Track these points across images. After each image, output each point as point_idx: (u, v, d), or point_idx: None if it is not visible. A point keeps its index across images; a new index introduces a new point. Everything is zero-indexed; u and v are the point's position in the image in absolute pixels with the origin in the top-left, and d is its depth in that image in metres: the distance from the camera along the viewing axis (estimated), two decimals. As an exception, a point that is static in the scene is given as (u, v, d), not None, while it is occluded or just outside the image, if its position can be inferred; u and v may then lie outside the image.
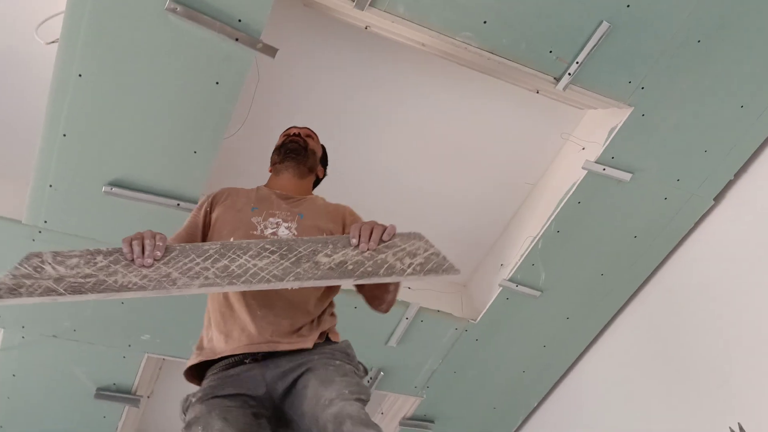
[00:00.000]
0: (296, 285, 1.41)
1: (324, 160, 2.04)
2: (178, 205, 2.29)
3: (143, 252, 1.40)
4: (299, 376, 1.56)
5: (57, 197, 2.20)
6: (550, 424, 3.28)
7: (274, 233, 1.69)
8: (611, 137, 2.43)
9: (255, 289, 1.40)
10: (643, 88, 2.32)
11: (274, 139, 2.32)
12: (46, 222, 2.26)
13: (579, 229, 2.66)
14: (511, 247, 2.90)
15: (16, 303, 1.30)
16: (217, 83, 2.06)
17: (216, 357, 1.64)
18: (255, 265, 1.42)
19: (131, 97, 2.04)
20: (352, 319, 2.71)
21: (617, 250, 2.76)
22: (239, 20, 1.95)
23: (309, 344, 1.63)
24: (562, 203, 2.59)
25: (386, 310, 1.71)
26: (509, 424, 3.39)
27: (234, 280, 1.38)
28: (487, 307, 2.87)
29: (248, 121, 2.38)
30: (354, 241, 1.50)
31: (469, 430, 3.36)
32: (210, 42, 1.97)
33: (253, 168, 2.60)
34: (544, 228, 2.65)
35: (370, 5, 1.99)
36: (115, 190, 2.21)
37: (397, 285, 1.64)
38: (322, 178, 2.05)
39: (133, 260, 1.40)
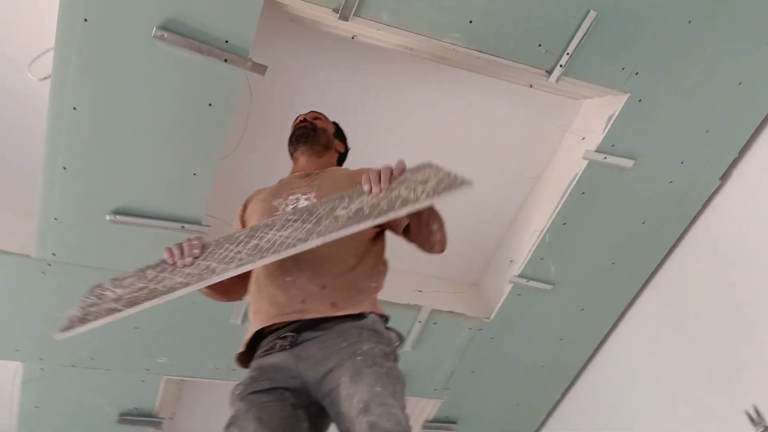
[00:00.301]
0: (320, 242, 1.43)
1: (340, 135, 2.09)
2: (183, 227, 2.31)
3: (182, 254, 1.56)
4: (330, 371, 1.54)
5: (63, 229, 2.23)
6: (575, 415, 3.26)
7: (294, 207, 1.74)
8: (609, 125, 2.41)
9: (283, 256, 1.45)
10: (637, 73, 2.30)
11: (274, 154, 2.35)
12: (54, 255, 2.29)
13: (585, 219, 2.65)
14: (518, 243, 2.89)
15: (87, 329, 1.45)
16: (210, 105, 2.07)
17: (250, 336, 1.71)
18: (281, 236, 1.50)
19: (127, 126, 2.06)
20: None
21: (626, 238, 2.74)
22: (226, 41, 1.96)
23: (340, 312, 1.63)
24: (566, 195, 2.57)
25: (441, 250, 1.74)
26: (534, 419, 3.37)
27: (264, 254, 1.46)
28: (500, 304, 2.86)
29: (245, 138, 2.39)
30: (366, 188, 1.52)
31: (493, 428, 3.36)
32: (199, 65, 1.98)
33: (255, 184, 2.62)
34: (550, 221, 2.64)
35: (354, 15, 1.99)
36: (119, 218, 2.23)
37: (439, 222, 1.68)
38: (346, 153, 2.10)
39: (175, 263, 1.56)
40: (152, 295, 1.50)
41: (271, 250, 1.46)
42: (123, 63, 1.94)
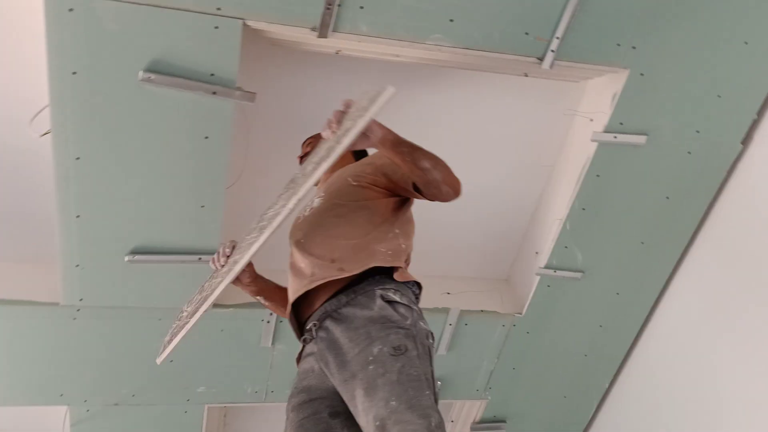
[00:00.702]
0: (295, 200, 1.52)
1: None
2: (200, 258, 2.35)
3: (218, 258, 1.81)
4: (345, 381, 1.55)
5: (86, 275, 2.30)
6: (628, 401, 3.17)
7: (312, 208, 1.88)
8: (614, 104, 2.35)
9: (275, 225, 1.54)
10: (634, 47, 2.23)
11: (281, 174, 2.39)
12: (81, 300, 2.36)
13: (605, 202, 2.58)
14: (542, 233, 2.84)
15: (173, 346, 1.81)
16: (206, 138, 2.11)
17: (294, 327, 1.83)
18: (275, 209, 1.66)
19: (130, 169, 2.11)
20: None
21: (652, 216, 2.65)
22: (212, 74, 2.00)
23: (346, 273, 1.66)
24: (581, 180, 2.51)
25: (454, 190, 1.71)
26: (585, 409, 3.29)
27: (264, 225, 1.62)
28: (530, 298, 2.81)
29: (250, 163, 2.43)
30: (324, 134, 1.58)
31: (543, 422, 3.30)
32: (189, 101, 2.02)
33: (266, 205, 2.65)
34: (569, 208, 2.58)
35: (333, 31, 1.99)
36: (137, 257, 2.29)
37: (431, 158, 1.68)
38: (362, 150, 2.08)
39: (216, 269, 1.84)
40: (203, 301, 1.71)
41: (267, 225, 1.58)
42: (116, 108, 1.99)
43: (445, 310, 2.79)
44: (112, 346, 2.52)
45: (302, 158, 2.23)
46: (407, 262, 1.88)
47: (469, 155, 2.76)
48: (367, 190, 1.82)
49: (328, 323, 1.65)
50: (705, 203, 2.65)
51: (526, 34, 2.13)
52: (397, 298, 1.64)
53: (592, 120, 2.51)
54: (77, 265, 2.27)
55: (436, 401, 1.51)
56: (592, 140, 2.41)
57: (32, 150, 2.22)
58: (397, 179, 1.79)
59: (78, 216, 2.17)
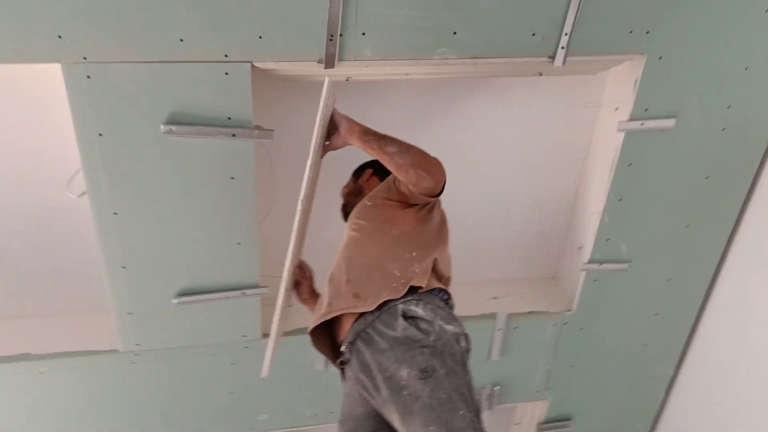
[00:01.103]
0: (298, 210, 1.81)
1: (380, 171, 2.10)
2: (243, 293, 2.43)
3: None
4: (381, 405, 1.60)
5: (139, 321, 2.41)
6: (697, 385, 3.07)
7: None
8: (636, 91, 2.29)
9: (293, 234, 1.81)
10: (648, 32, 2.17)
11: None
12: (138, 345, 2.47)
13: (641, 190, 2.52)
14: (582, 228, 2.79)
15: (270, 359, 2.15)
16: (232, 178, 2.18)
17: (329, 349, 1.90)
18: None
19: (166, 216, 2.20)
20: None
21: (693, 198, 2.58)
22: (229, 118, 2.06)
23: (362, 303, 1.69)
24: (613, 171, 2.46)
25: (424, 176, 1.73)
26: (652, 399, 3.22)
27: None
28: (578, 294, 2.77)
29: (279, 194, 2.49)
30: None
31: (610, 416, 3.24)
32: (211, 146, 2.09)
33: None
34: (604, 201, 2.53)
35: (339, 60, 2.03)
36: (184, 299, 2.38)
37: (395, 144, 1.74)
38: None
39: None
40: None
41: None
42: (144, 162, 2.08)
43: (492, 316, 2.78)
44: (174, 384, 2.63)
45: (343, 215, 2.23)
46: (439, 276, 1.88)
47: (502, 158, 2.76)
48: (381, 207, 1.87)
49: (359, 344, 1.67)
50: (749, 177, 2.56)
51: (533, 35, 2.11)
52: (419, 310, 1.64)
53: (617, 109, 2.46)
54: (129, 313, 2.38)
55: (476, 410, 1.52)
56: (618, 130, 2.36)
57: (74, 208, 2.34)
58: (393, 189, 1.86)
59: (124, 267, 2.27)
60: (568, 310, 2.83)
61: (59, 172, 2.27)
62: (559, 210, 2.94)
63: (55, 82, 1.94)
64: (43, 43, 1.82)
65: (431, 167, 1.75)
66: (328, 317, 1.77)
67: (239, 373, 2.66)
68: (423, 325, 1.61)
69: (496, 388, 2.97)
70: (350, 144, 1.83)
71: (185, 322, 2.45)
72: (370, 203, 1.91)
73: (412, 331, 1.59)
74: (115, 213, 2.16)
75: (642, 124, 2.35)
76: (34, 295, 2.63)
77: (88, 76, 1.90)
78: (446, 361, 1.54)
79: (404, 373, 1.52)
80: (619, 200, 2.53)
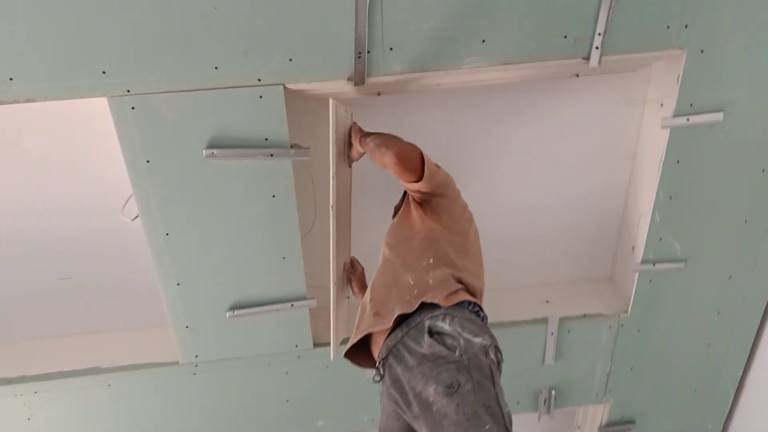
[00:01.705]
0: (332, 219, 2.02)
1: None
2: (292, 305, 2.50)
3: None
4: (413, 419, 1.62)
5: (196, 334, 2.52)
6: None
7: None
8: (678, 87, 2.22)
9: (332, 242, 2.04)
10: (686, 26, 2.10)
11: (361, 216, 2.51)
12: (197, 356, 2.59)
13: (692, 187, 2.43)
14: (634, 227, 2.72)
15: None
16: (273, 196, 2.25)
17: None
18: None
19: (213, 235, 2.29)
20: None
21: (749, 191, 2.47)
22: (266, 139, 2.13)
23: (381, 321, 1.76)
24: (661, 169, 2.39)
25: (386, 153, 1.85)
26: (721, 400, 3.09)
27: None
28: (633, 295, 2.70)
29: (320, 211, 2.55)
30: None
31: (676, 418, 3.14)
32: (251, 167, 2.17)
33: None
34: (653, 199, 2.46)
35: (368, 77, 2.06)
36: (237, 312, 2.47)
37: (375, 138, 1.94)
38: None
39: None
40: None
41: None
42: (190, 185, 2.18)
43: (544, 320, 2.75)
44: (233, 393, 2.73)
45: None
46: (470, 288, 1.88)
47: (551, 159, 2.72)
48: (403, 222, 1.94)
49: (391, 361, 1.70)
50: (809, 167, 2.43)
51: (565, 37, 2.08)
52: (446, 325, 1.64)
53: (662, 105, 2.39)
54: (186, 327, 2.50)
55: (504, 423, 1.50)
56: (663, 127, 2.29)
57: (133, 231, 2.47)
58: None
59: (178, 284, 2.39)
60: (624, 312, 2.77)
61: (119, 198, 2.41)
62: (611, 210, 2.87)
63: (106, 115, 2.07)
64: (89, 80, 1.95)
65: (388, 142, 1.87)
66: (356, 340, 1.83)
67: (294, 382, 2.74)
68: (448, 341, 1.61)
69: (553, 392, 2.93)
70: (363, 152, 2.05)
71: (239, 334, 2.55)
72: (394, 222, 1.99)
73: (438, 348, 1.60)
74: (166, 234, 2.27)
75: (688, 119, 2.28)
76: (101, 313, 2.79)
77: (133, 108, 2.02)
78: (473, 375, 1.54)
79: (431, 389, 1.54)
80: (669, 198, 2.45)
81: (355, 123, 2.09)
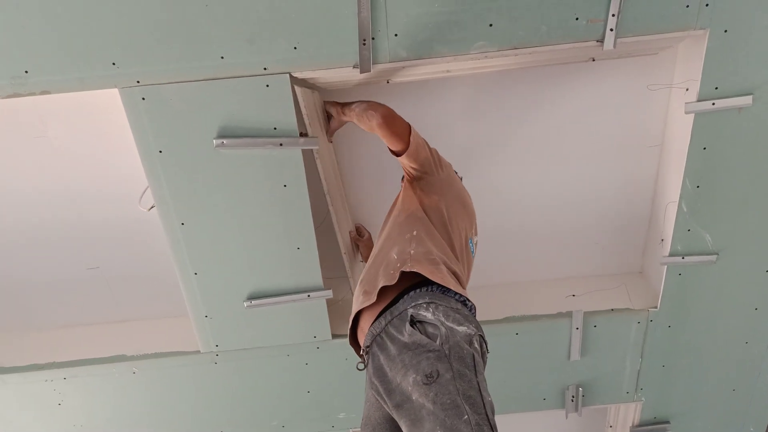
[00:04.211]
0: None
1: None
2: (308, 296, 2.50)
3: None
4: (393, 409, 1.57)
5: (215, 324, 2.56)
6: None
7: None
8: (701, 70, 2.12)
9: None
10: (707, 5, 2.00)
11: (368, 201, 2.50)
12: (217, 345, 2.63)
13: (720, 175, 2.32)
14: (662, 219, 2.61)
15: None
16: (285, 186, 2.25)
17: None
18: None
19: (227, 224, 2.32)
20: (523, 347, 2.68)
21: (784, 179, 2.34)
22: (275, 128, 2.14)
23: (369, 301, 1.74)
24: (686, 157, 2.29)
25: (373, 115, 1.99)
26: (762, 400, 2.94)
27: None
28: (662, 290, 2.59)
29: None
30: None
31: (714, 418, 2.99)
32: (261, 156, 2.18)
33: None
34: (681, 189, 2.36)
35: (374, 63, 2.04)
36: (254, 302, 2.50)
37: (359, 105, 2.09)
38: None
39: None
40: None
41: None
42: (202, 175, 2.21)
43: (569, 314, 2.67)
44: (254, 383, 2.76)
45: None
46: (457, 275, 1.83)
47: (574, 149, 2.65)
48: (395, 202, 2.01)
49: (375, 348, 1.67)
50: None
51: (577, 19, 2.01)
52: (428, 314, 1.60)
53: (687, 90, 2.28)
54: (206, 316, 2.54)
55: (485, 413, 1.44)
56: (687, 112, 2.19)
57: (153, 221, 2.53)
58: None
59: (195, 273, 2.42)
60: (653, 307, 2.66)
61: (142, 188, 2.47)
62: (640, 201, 2.76)
63: (116, 105, 2.12)
64: (100, 71, 2.00)
65: (376, 105, 2.01)
66: (350, 322, 1.82)
67: (314, 373, 2.74)
68: (430, 329, 1.57)
69: (580, 389, 2.84)
70: (345, 121, 2.24)
71: (258, 324, 2.57)
72: (399, 206, 2.00)
73: (418, 336, 1.56)
74: (181, 224, 2.31)
75: (713, 104, 2.17)
76: (127, 301, 2.87)
77: (143, 98, 2.06)
78: (453, 364, 1.49)
79: (410, 378, 1.50)
80: (697, 187, 2.34)
81: (328, 100, 2.30)
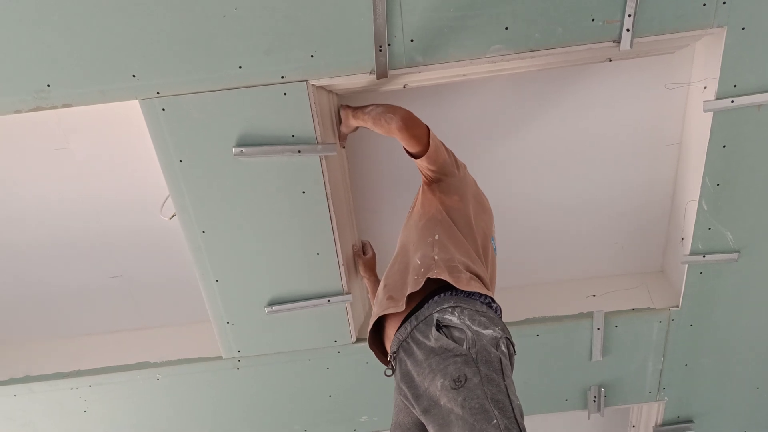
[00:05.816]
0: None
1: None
2: (329, 300, 2.52)
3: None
4: (421, 413, 1.58)
5: (237, 330, 2.58)
6: None
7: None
8: (720, 68, 2.10)
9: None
10: (724, 2, 1.99)
11: (383, 209, 2.49)
12: (239, 351, 2.65)
13: (741, 173, 2.30)
14: (683, 218, 2.59)
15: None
16: (303, 192, 2.27)
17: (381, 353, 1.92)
18: None
19: (248, 231, 2.34)
20: (544, 348, 2.67)
21: (806, 176, 2.31)
22: (293, 135, 2.16)
23: (395, 305, 1.74)
24: (705, 155, 2.27)
25: (392, 118, 1.95)
26: (788, 399, 2.91)
27: None
28: (683, 289, 2.58)
29: (355, 203, 2.56)
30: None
31: (740, 418, 2.97)
32: (280, 163, 2.20)
33: (378, 237, 2.76)
34: (700, 187, 2.34)
35: (391, 69, 2.05)
36: (275, 308, 2.51)
37: (374, 108, 2.05)
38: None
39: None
40: None
41: None
42: (222, 183, 2.23)
43: (590, 315, 2.66)
44: (276, 387, 2.78)
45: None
46: (480, 277, 1.82)
47: (592, 151, 2.65)
48: (414, 206, 2.00)
49: (401, 354, 1.68)
50: None
51: (592, 20, 2.01)
52: (454, 318, 1.60)
53: (705, 88, 2.27)
54: (228, 323, 2.56)
55: (514, 416, 1.44)
56: (705, 110, 2.18)
57: (175, 229, 2.56)
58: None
59: (217, 280, 2.45)
60: (675, 306, 2.64)
61: (163, 197, 2.50)
62: (660, 200, 2.75)
63: (136, 115, 2.15)
64: (121, 83, 2.03)
65: (394, 108, 1.97)
66: (371, 323, 1.83)
67: (335, 377, 2.76)
68: (456, 334, 1.57)
69: (602, 389, 2.83)
70: (357, 125, 2.22)
71: (279, 330, 2.59)
72: (409, 212, 2.03)
73: (445, 341, 1.56)
74: (202, 231, 2.33)
75: (732, 101, 2.15)
76: (150, 309, 2.90)
77: (163, 109, 2.09)
78: (480, 368, 1.49)
79: (438, 383, 1.51)
80: (717, 185, 2.32)
81: (342, 104, 2.29)
